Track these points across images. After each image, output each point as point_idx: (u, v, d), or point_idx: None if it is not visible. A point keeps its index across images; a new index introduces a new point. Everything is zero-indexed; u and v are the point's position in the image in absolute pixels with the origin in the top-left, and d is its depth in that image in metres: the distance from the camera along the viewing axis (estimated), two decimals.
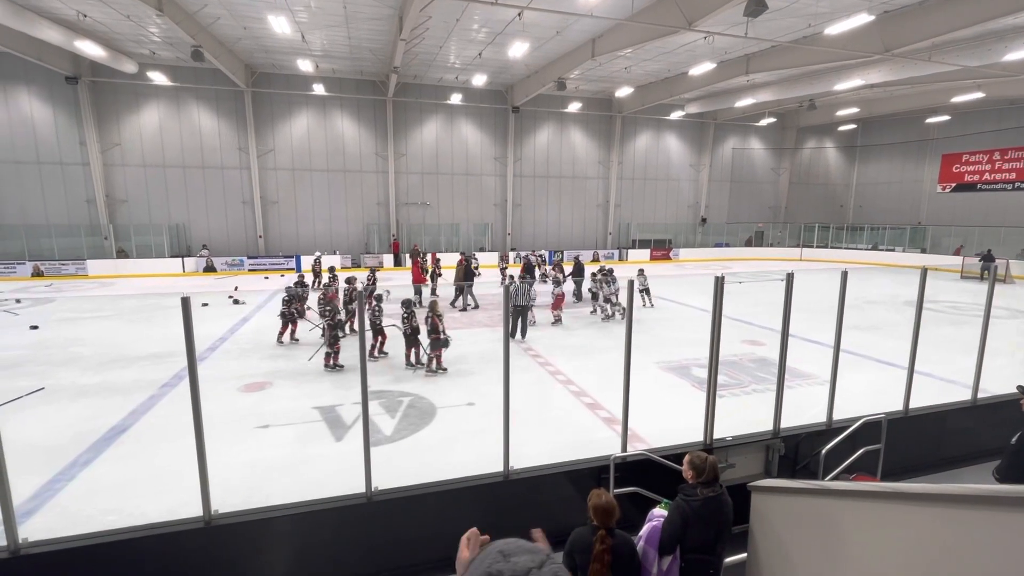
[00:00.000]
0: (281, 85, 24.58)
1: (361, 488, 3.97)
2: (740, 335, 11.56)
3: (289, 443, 6.51)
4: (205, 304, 14.81)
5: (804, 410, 6.45)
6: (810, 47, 17.37)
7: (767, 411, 5.22)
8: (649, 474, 4.34)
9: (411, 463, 5.87)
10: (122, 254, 23.51)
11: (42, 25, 16.12)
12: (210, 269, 23.54)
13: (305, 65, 22.08)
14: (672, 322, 13.20)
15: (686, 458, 2.97)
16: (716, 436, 4.77)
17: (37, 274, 21.43)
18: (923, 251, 28.95)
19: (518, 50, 18.80)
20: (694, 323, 13.15)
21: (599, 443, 6.28)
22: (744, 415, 6.38)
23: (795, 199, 35.46)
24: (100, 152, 23.09)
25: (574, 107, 28.13)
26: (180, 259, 23.56)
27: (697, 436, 4.85)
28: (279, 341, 11.02)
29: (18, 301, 15.84)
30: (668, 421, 6.87)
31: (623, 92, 26.19)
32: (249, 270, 24.19)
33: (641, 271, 15.99)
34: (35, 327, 12.22)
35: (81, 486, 5.50)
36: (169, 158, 24.13)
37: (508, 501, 4.27)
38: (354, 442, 6.49)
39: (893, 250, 30.04)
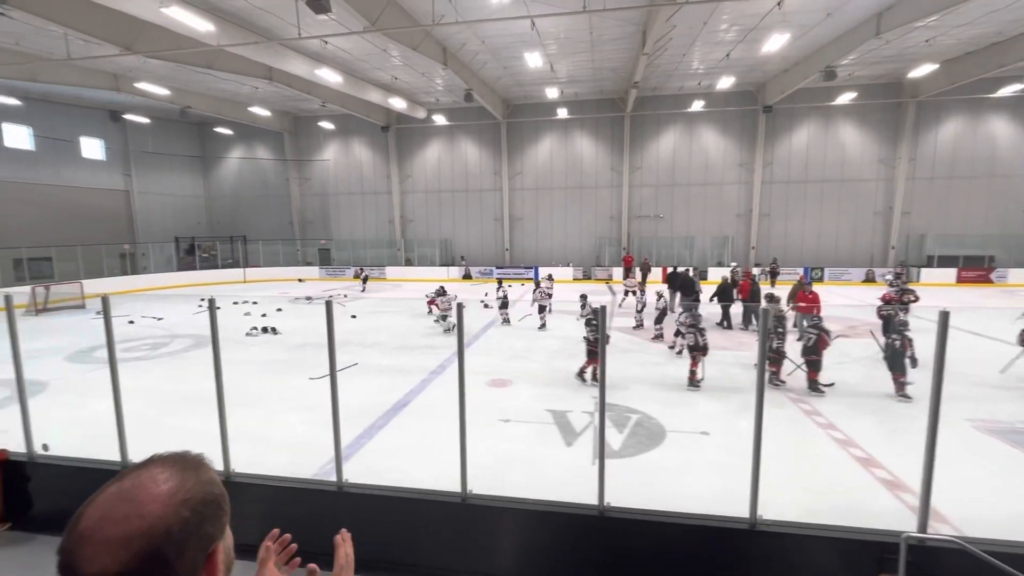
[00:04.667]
0: (530, 113, 27.34)
1: (591, 499, 4.03)
2: None
3: (525, 439, 7.07)
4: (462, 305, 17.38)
5: None
6: None
7: None
8: (961, 571, 3.27)
9: (639, 483, 5.72)
10: (408, 262, 29.54)
11: (370, 90, 21.51)
12: (467, 277, 27.59)
13: (551, 92, 24.07)
14: (992, 367, 9.80)
15: None
16: None
17: (357, 276, 28.51)
18: None
19: (775, 43, 16.85)
20: None
21: (876, 511, 5.06)
22: None
23: None
24: (399, 182, 29.53)
25: (845, 98, 23.68)
26: (446, 267, 28.30)
27: None
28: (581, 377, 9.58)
29: (345, 296, 21.32)
30: (989, 502, 5.11)
31: (920, 71, 20.87)
32: (497, 278, 27.45)
33: (659, 294, 13.23)
34: (354, 316, 16.25)
35: (376, 445, 6.99)
36: (443, 184, 29.33)
37: (752, 553, 3.77)
38: (583, 450, 6.68)
39: None
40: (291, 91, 22.22)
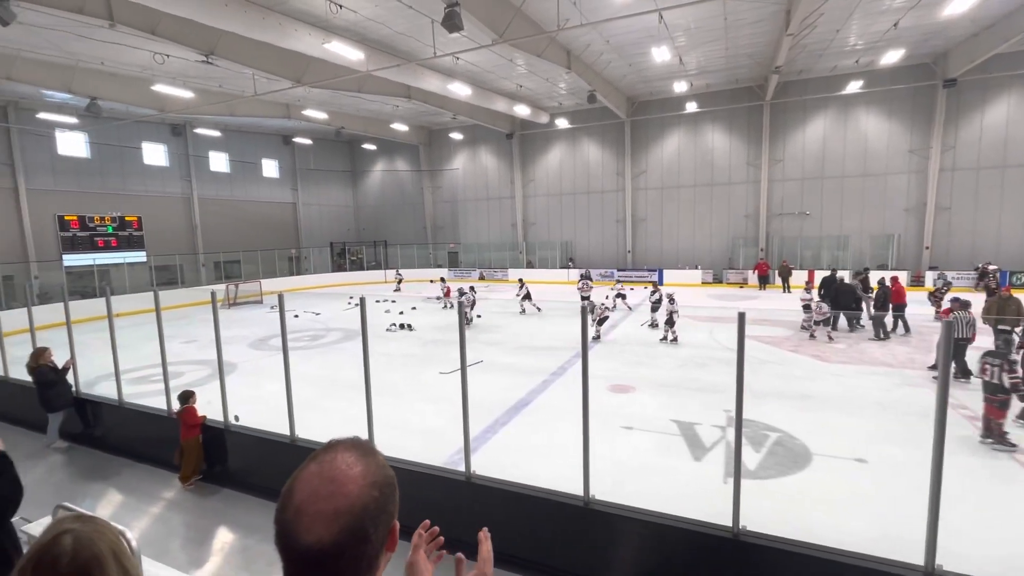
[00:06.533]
0: (656, 110, 26.29)
1: (722, 519, 3.76)
2: None
3: (648, 449, 6.81)
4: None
5: None
6: None
7: None
8: None
9: (779, 509, 5.19)
10: (530, 264, 30.20)
11: (496, 99, 22.43)
12: (586, 278, 27.36)
13: (680, 86, 22.89)
14: None
15: None
16: None
17: (480, 278, 29.93)
18: None
19: (961, 4, 14.17)
20: None
21: None
22: None
23: None
24: (522, 187, 30.36)
25: None
26: (566, 269, 28.41)
27: None
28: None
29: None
30: None
31: None
32: (616, 281, 26.84)
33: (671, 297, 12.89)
34: (479, 316, 17.06)
35: (499, 441, 7.25)
36: (564, 187, 29.49)
37: None
38: (713, 466, 6.26)
39: None
40: (426, 107, 24.06)
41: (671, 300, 12.83)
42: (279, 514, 0.81)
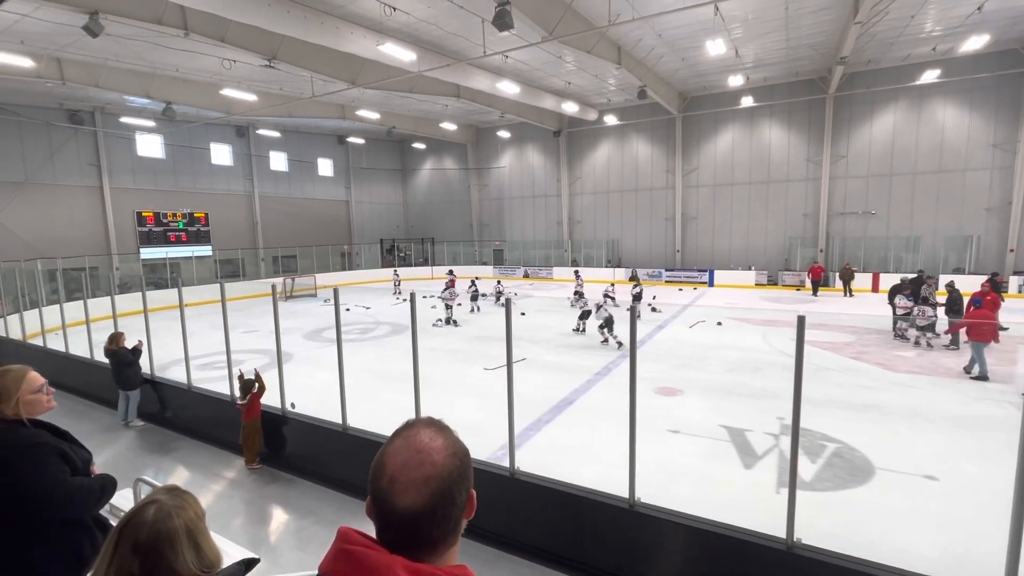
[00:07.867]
0: (709, 105, 25.42)
1: (775, 531, 3.61)
2: None
3: (696, 454, 6.63)
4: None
5: None
6: None
7: None
8: None
9: (838, 523, 4.93)
10: (575, 263, 29.95)
11: (544, 97, 22.37)
12: (634, 278, 26.86)
13: (735, 80, 22.05)
14: None
15: None
16: None
17: (525, 276, 29.97)
18: None
19: None
20: None
21: None
22: None
23: None
24: (568, 184, 30.16)
25: None
26: (612, 268, 28.00)
27: None
28: None
29: (515, 294, 22.55)
30: None
31: None
32: (665, 281, 26.27)
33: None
34: (523, 314, 17.12)
35: (542, 439, 7.26)
36: (612, 185, 29.07)
37: None
38: (764, 475, 6.02)
39: None
40: (475, 105, 24.32)
41: (611, 299, 12.95)
42: (373, 484, 0.90)
